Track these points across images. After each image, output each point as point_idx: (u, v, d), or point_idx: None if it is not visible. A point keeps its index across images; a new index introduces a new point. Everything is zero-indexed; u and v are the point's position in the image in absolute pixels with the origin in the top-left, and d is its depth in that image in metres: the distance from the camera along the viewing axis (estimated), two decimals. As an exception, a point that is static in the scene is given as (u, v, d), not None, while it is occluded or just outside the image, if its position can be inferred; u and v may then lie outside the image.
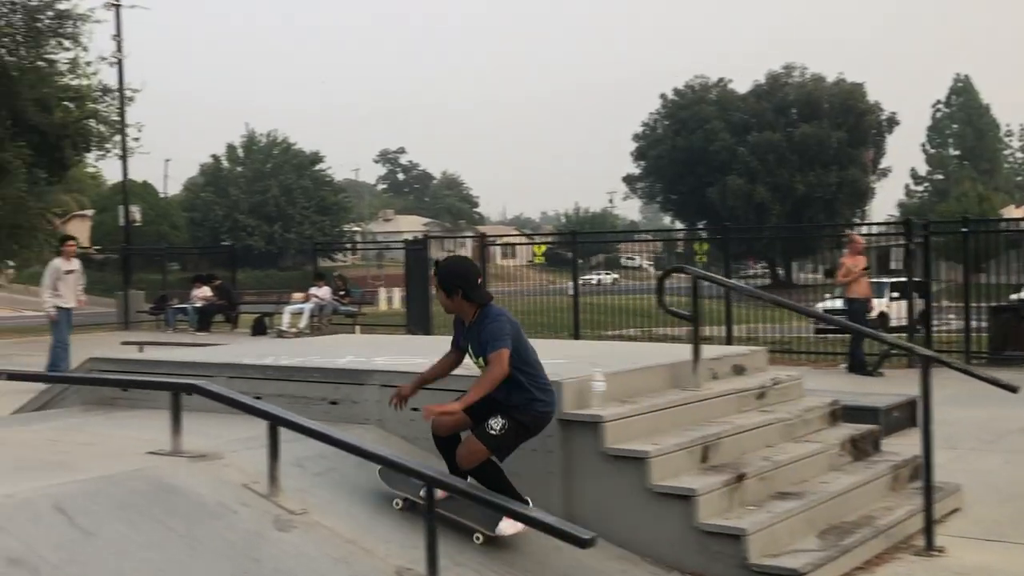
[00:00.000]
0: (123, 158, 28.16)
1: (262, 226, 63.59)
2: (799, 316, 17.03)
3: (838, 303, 15.60)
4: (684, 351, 6.86)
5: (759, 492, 5.87)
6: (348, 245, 64.20)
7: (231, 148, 65.59)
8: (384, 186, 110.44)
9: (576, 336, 18.26)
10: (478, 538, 5.24)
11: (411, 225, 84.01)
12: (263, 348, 10.28)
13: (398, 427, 6.19)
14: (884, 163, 63.47)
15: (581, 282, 21.54)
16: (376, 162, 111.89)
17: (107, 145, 33.39)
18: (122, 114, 28.39)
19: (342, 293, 21.15)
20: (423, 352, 6.84)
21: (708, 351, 7.08)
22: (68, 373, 7.96)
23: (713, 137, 59.85)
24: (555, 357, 6.22)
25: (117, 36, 30.34)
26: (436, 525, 4.58)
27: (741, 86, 63.09)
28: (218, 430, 5.89)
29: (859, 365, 13.97)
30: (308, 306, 20.67)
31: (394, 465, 4.92)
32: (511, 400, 5.13)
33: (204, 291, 23.00)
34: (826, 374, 13.81)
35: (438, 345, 5.94)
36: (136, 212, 29.26)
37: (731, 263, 19.75)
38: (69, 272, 13.73)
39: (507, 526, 5.19)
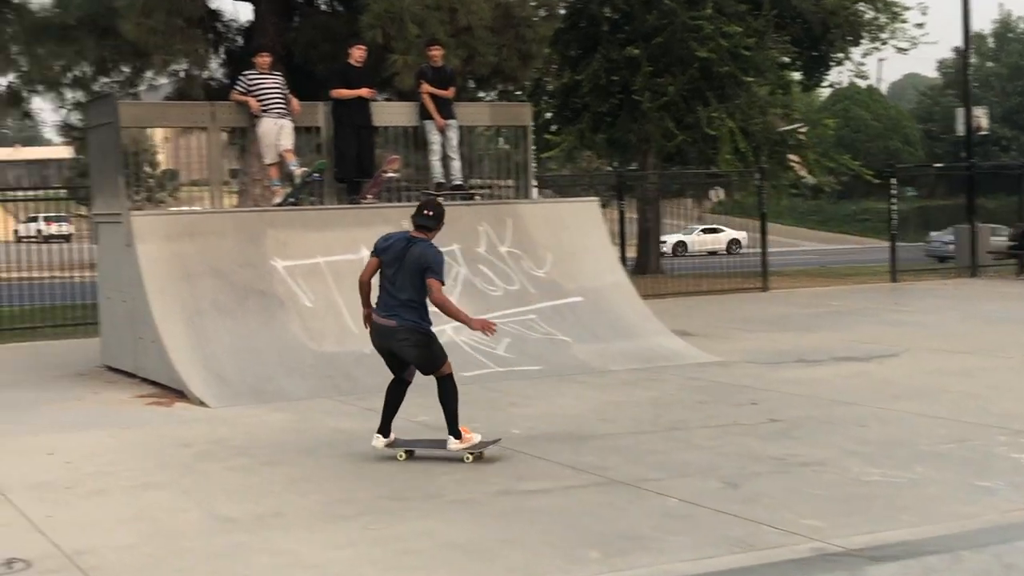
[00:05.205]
0: (964, 51, 25.59)
1: (1020, 138, 58.67)
2: None
3: None
4: None
5: None
6: None
7: (979, 38, 61.21)
8: None
9: None
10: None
11: None
12: None
13: None
14: None
15: None
16: None
17: (882, 35, 31.76)
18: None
19: None
20: None
21: None
22: None
23: None
24: None
25: None
26: None
27: None
28: None
29: None
30: None
31: None
32: None
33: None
34: None
35: None
36: (982, 116, 26.69)
37: None
38: None
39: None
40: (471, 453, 7.91)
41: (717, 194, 36.24)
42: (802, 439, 8.47)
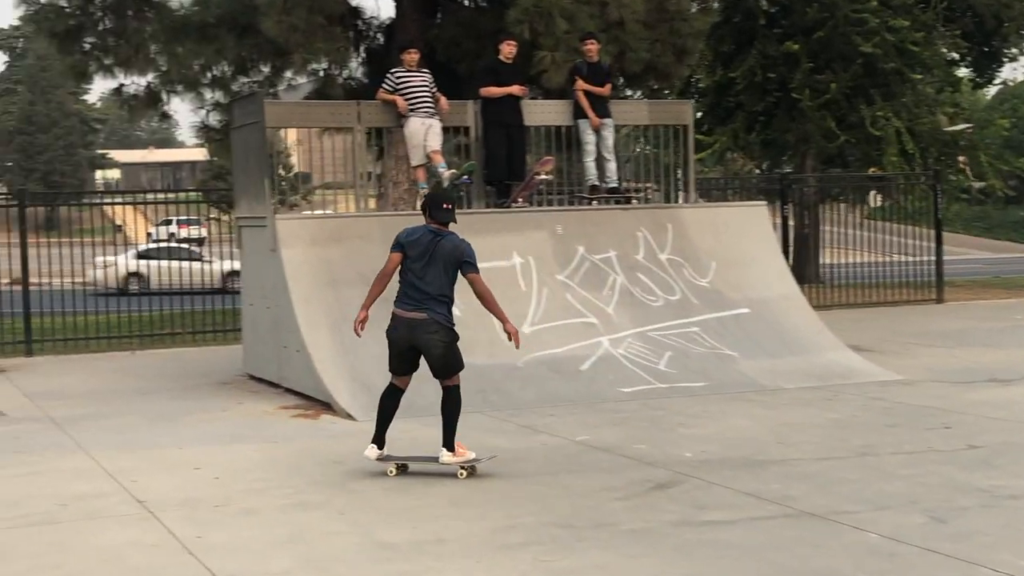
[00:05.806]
0: None
1: None
2: None
3: None
4: None
5: None
6: None
7: None
8: None
9: None
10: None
11: None
12: None
13: None
14: None
15: None
16: None
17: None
18: None
19: None
20: None
21: None
22: None
23: None
24: None
25: None
26: None
27: None
28: None
29: None
30: None
31: None
32: None
33: None
34: None
35: None
36: None
37: None
38: None
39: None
40: (464, 468, 8.03)
41: (874, 198, 35.00)
42: (1008, 468, 7.94)
